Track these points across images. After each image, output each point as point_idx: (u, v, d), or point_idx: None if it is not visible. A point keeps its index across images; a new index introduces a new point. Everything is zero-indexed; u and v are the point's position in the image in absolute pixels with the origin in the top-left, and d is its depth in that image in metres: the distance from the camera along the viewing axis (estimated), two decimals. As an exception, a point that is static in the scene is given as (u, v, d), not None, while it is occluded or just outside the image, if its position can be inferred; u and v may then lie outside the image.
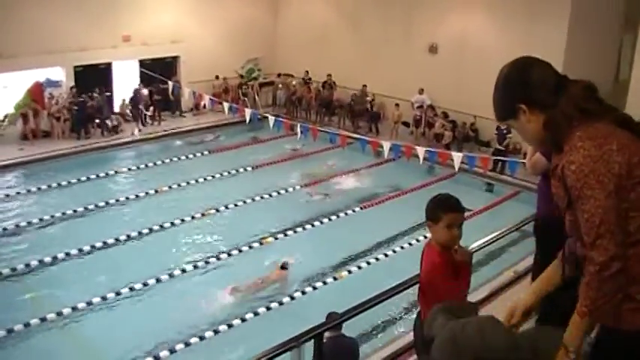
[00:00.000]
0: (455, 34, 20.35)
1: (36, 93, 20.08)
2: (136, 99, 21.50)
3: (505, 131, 17.83)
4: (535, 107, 2.44)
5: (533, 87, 2.43)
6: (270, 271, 12.25)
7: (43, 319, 10.40)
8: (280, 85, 24.49)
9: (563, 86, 2.44)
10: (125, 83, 22.23)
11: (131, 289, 11.47)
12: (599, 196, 2.23)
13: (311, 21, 24.60)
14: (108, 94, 21.65)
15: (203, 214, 14.84)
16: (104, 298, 11.13)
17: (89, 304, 10.95)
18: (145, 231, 13.82)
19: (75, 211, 14.83)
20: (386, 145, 16.43)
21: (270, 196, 16.15)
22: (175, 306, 11.07)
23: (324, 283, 11.99)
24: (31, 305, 11.06)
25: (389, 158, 17.67)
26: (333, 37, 23.92)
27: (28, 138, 19.68)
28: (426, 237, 13.38)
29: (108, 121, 20.63)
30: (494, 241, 7.23)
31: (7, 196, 15.94)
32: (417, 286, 4.08)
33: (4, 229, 13.89)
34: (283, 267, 12.21)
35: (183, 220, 14.41)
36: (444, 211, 3.70)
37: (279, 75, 25.19)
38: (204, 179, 17.17)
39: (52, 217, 14.50)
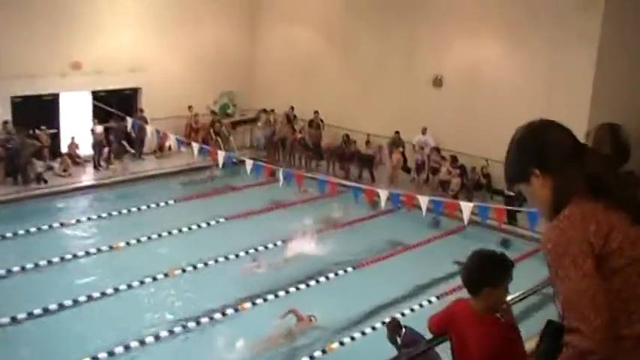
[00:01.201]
0: (463, 65, 20.59)
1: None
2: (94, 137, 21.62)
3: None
4: (548, 172, 2.63)
5: (548, 150, 2.63)
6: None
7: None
8: (259, 124, 24.50)
9: (581, 153, 2.64)
10: (75, 118, 22.16)
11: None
12: (574, 277, 2.44)
13: (295, 48, 24.80)
14: (53, 131, 21.53)
15: (166, 275, 14.60)
16: None
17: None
18: (96, 294, 13.53)
19: (9, 270, 14.50)
20: (383, 194, 16.34)
21: (247, 253, 15.95)
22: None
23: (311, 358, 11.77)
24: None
25: (387, 209, 17.59)
26: (321, 67, 24.11)
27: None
28: (430, 301, 13.53)
29: (39, 166, 20.16)
30: (512, 304, 7.09)
31: None
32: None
33: None
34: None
35: (142, 283, 14.15)
36: (509, 273, 3.76)
37: (264, 110, 25.19)
38: (169, 232, 16.98)
39: (-18, 277, 14.18)
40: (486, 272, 3.76)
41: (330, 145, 22.80)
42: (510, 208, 17.32)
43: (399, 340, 7.22)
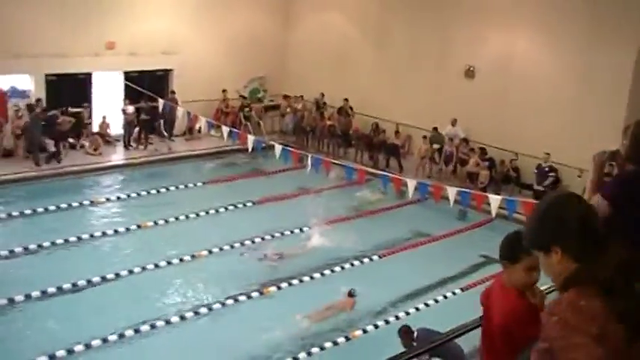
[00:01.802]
0: (496, 57, 20.43)
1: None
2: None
3: (547, 169, 17.71)
4: (570, 254, 2.61)
5: (573, 235, 2.60)
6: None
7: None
8: (289, 110, 24.58)
9: (605, 242, 2.63)
10: (106, 98, 22.37)
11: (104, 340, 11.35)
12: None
13: (327, 35, 24.78)
14: (79, 110, 21.79)
15: (193, 256, 14.73)
16: (70, 351, 10.96)
17: (51, 357, 10.77)
18: (124, 272, 13.71)
19: (40, 245, 14.72)
20: (411, 184, 16.31)
21: (272, 237, 16.05)
22: None
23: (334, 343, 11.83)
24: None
25: (414, 199, 17.58)
26: (352, 55, 24.07)
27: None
28: (455, 293, 13.52)
29: (52, 146, 20.11)
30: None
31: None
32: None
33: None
34: (350, 294, 12.99)
35: (169, 263, 14.29)
36: (526, 251, 3.65)
37: (284, 96, 25.32)
38: (197, 214, 17.11)
39: (12, 252, 14.38)
40: (504, 245, 3.87)
41: (359, 133, 22.80)
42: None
43: (414, 344, 7.28)
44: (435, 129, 21.34)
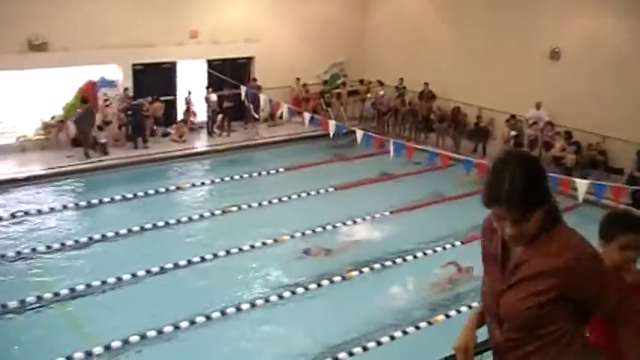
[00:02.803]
0: (583, 37, 19.76)
1: (88, 93, 20.86)
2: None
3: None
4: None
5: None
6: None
7: (89, 354, 10.57)
8: (369, 95, 24.47)
9: None
10: (191, 86, 22.77)
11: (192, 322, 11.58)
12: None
13: (407, 20, 24.53)
14: (165, 98, 22.27)
15: (276, 240, 14.87)
16: (160, 332, 11.22)
17: (142, 337, 11.06)
18: (209, 256, 13.96)
19: (129, 230, 15.16)
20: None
21: (355, 222, 16.04)
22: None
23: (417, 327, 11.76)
24: (79, 335, 11.31)
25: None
26: (432, 39, 23.76)
27: (77, 143, 20.39)
28: None
29: (102, 137, 20.24)
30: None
31: (52, 210, 16.48)
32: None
33: (48, 246, 14.30)
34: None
35: (252, 247, 14.47)
36: (620, 230, 3.69)
37: (361, 81, 25.22)
38: (279, 199, 17.28)
39: (104, 236, 14.86)
40: (600, 225, 3.82)
41: (440, 117, 22.52)
42: (635, 187, 16.65)
43: None
44: (513, 116, 20.85)
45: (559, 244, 2.82)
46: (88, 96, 20.76)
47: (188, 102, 22.41)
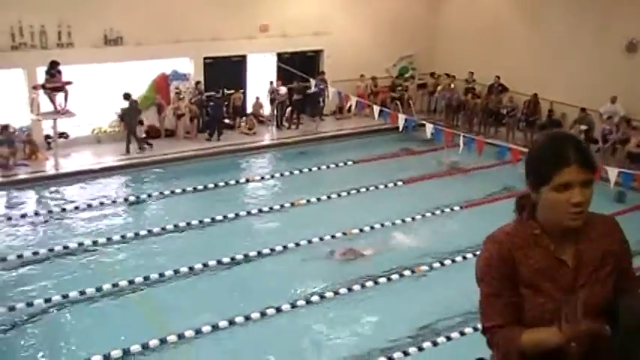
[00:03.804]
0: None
1: (161, 86, 21.27)
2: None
3: None
4: None
5: None
6: None
7: (163, 341, 10.78)
8: (439, 88, 24.24)
9: None
10: (260, 79, 22.96)
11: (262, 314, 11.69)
12: None
13: (479, 13, 24.17)
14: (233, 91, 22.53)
15: (344, 234, 14.89)
16: (232, 322, 11.37)
17: (214, 327, 11.21)
18: (279, 248, 14.06)
19: (200, 221, 15.40)
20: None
21: (423, 216, 15.94)
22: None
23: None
24: (154, 323, 11.56)
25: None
26: (504, 32, 23.35)
27: (151, 135, 20.82)
28: None
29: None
30: None
31: (126, 200, 16.90)
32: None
33: (122, 235, 14.66)
34: None
35: (321, 239, 14.51)
36: None
37: (431, 74, 25.03)
38: (348, 192, 17.29)
39: (176, 226, 15.14)
40: None
41: (511, 111, 22.14)
42: None
43: None
44: (583, 110, 20.34)
45: (603, 223, 2.94)
46: (160, 89, 21.22)
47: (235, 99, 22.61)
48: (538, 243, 2.85)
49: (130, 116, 19.90)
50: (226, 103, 21.59)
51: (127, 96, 19.77)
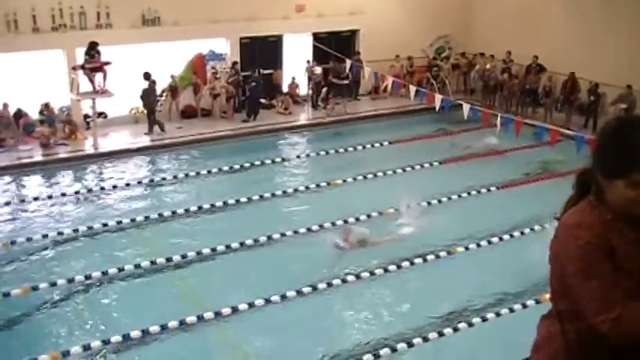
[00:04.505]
0: None
1: (198, 66, 21.35)
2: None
3: None
4: None
5: None
6: None
7: (200, 318, 10.86)
8: (477, 67, 23.95)
9: None
10: (296, 59, 22.92)
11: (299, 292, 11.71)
12: None
13: (516, -9, 23.82)
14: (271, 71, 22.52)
15: (380, 213, 14.83)
16: (267, 300, 11.41)
17: (250, 305, 11.24)
18: (315, 227, 14.05)
19: (237, 200, 15.46)
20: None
21: (460, 197, 15.82)
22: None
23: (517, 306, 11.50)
24: (191, 301, 11.68)
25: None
26: (542, 9, 22.94)
27: (187, 115, 20.95)
28: None
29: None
30: None
31: (164, 179, 17.04)
32: None
33: (160, 214, 14.79)
34: None
35: (357, 219, 14.47)
36: None
37: (462, 54, 24.76)
38: (384, 173, 17.21)
39: (212, 205, 15.22)
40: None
41: (549, 91, 21.78)
42: None
43: None
44: (629, 87, 19.90)
45: None
46: (197, 69, 21.30)
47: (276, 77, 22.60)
48: (613, 227, 2.71)
49: (149, 96, 19.95)
50: (266, 82, 21.54)
51: (147, 76, 19.82)
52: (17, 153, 18.14)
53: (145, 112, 20.10)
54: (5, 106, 18.45)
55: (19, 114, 18.73)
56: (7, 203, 15.54)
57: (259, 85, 21.24)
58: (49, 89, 19.48)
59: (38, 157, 18.14)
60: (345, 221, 14.32)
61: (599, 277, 2.65)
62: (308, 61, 22.61)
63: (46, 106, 18.96)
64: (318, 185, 16.47)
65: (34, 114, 19.06)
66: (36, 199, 15.73)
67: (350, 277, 12.24)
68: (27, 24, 18.94)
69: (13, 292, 11.46)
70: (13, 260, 12.88)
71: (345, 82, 22.54)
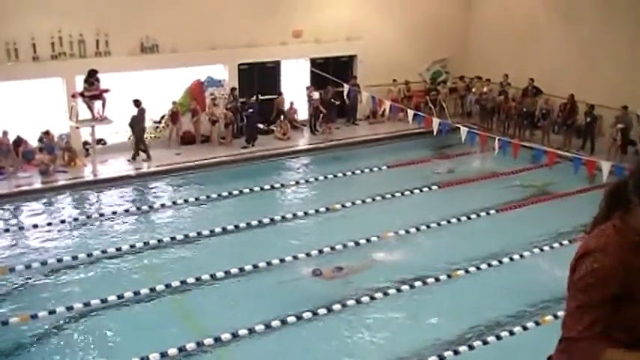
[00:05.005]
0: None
1: (196, 92, 21.47)
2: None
3: None
4: None
5: None
6: None
7: (200, 344, 10.81)
8: (474, 90, 24.07)
9: None
10: (293, 84, 23.05)
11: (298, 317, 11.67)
12: None
13: (511, 13, 23.95)
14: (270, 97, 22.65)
15: (379, 237, 14.83)
16: (267, 326, 11.37)
17: (251, 331, 11.21)
18: (314, 253, 14.02)
19: (236, 226, 15.45)
20: (605, 167, 15.49)
21: (459, 220, 15.82)
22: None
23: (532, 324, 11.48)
24: (189, 326, 11.65)
25: (606, 183, 16.62)
26: (538, 33, 23.08)
27: (186, 141, 21.03)
28: None
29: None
30: None
31: (163, 205, 17.06)
32: None
33: (159, 240, 14.79)
34: None
35: (357, 244, 14.46)
36: None
37: (460, 78, 24.87)
38: (382, 197, 17.21)
39: (212, 231, 15.21)
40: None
41: (546, 114, 21.86)
42: None
43: None
44: (625, 107, 19.97)
45: None
46: (196, 95, 21.41)
47: (279, 103, 22.72)
48: (637, 250, 2.71)
49: (139, 123, 19.94)
50: (267, 107, 21.67)
51: (137, 103, 19.76)
52: (17, 180, 18.15)
53: (133, 138, 20.03)
54: (5, 133, 18.48)
55: (19, 141, 18.76)
56: (6, 230, 15.52)
57: (255, 112, 21.26)
58: (48, 117, 19.53)
59: (37, 184, 18.13)
60: (344, 245, 14.31)
61: (589, 299, 2.71)
62: (308, 87, 22.69)
63: (46, 133, 19.02)
64: (317, 210, 16.46)
65: (33, 142, 19.09)
66: (35, 226, 15.70)
67: (350, 302, 12.20)
68: (27, 52, 19.05)
69: (12, 321, 11.43)
70: (12, 288, 12.85)
71: (336, 103, 22.56)
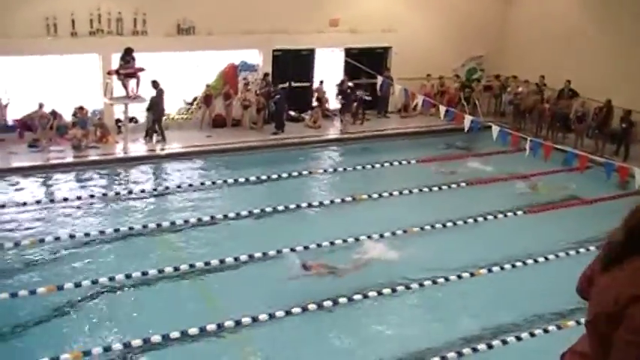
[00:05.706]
0: None
1: (230, 76, 21.58)
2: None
3: None
4: None
5: None
6: None
7: (220, 325, 10.93)
8: (509, 89, 23.91)
9: None
10: (327, 73, 23.07)
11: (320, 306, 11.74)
12: None
13: (551, 16, 23.68)
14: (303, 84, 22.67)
15: (405, 231, 14.84)
16: (288, 312, 11.46)
17: (271, 316, 11.31)
18: (339, 242, 14.08)
19: (262, 210, 15.58)
20: (638, 175, 15.35)
21: (485, 219, 15.77)
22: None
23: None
24: (211, 308, 11.80)
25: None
26: (576, 35, 22.81)
27: (217, 124, 21.19)
28: None
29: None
30: None
31: (190, 186, 17.23)
32: None
33: (186, 220, 14.94)
34: None
35: (382, 236, 14.48)
36: None
37: (496, 76, 24.71)
38: (410, 191, 17.22)
39: (238, 214, 15.34)
40: None
41: (581, 117, 21.63)
42: None
43: None
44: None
45: None
46: (229, 79, 21.54)
47: (318, 90, 22.72)
48: None
49: (158, 104, 19.98)
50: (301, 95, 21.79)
51: (155, 84, 19.73)
52: (49, 154, 18.44)
53: (151, 119, 20.09)
54: (41, 106, 18.77)
55: (54, 115, 19.04)
56: (38, 202, 15.80)
57: (283, 98, 21.31)
58: (83, 93, 19.79)
59: (69, 158, 18.41)
60: (369, 236, 14.33)
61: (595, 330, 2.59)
62: (342, 79, 22.64)
63: (80, 108, 19.28)
64: (343, 200, 16.52)
65: (67, 116, 19.36)
66: (65, 199, 15.98)
67: (371, 293, 12.22)
68: (66, 28, 19.30)
69: (39, 291, 11.65)
70: (41, 258, 13.10)
71: (366, 96, 22.59)
